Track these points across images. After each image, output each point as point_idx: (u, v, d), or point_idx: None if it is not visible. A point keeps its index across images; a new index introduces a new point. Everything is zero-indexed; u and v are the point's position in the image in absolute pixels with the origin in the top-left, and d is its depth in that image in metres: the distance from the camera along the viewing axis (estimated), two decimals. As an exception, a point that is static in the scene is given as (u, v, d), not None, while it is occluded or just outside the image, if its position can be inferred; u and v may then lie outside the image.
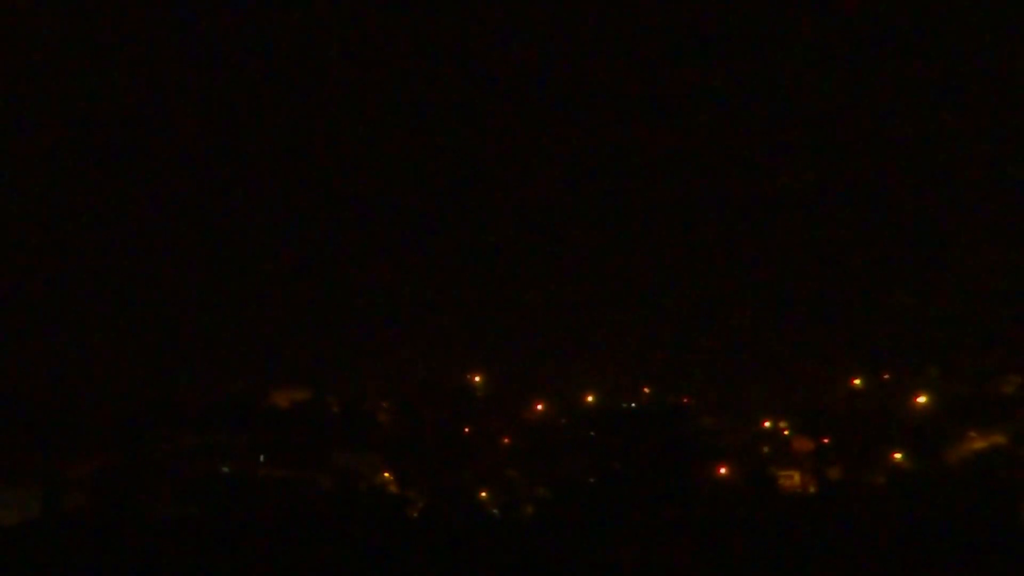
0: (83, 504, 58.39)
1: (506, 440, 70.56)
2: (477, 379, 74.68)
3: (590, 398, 72.83)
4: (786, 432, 69.84)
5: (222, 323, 78.84)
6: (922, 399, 66.72)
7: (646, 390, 72.71)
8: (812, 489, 64.48)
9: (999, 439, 61.26)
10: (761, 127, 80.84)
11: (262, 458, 65.84)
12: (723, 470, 65.67)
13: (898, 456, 63.65)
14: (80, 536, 52.67)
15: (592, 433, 68.13)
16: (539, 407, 73.28)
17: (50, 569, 49.20)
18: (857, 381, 70.45)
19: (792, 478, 65.26)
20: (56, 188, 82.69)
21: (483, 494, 64.14)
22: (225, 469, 63.90)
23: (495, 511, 62.33)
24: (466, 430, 71.03)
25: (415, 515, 60.77)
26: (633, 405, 71.50)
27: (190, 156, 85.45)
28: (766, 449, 69.07)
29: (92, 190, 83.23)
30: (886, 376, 70.18)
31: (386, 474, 65.99)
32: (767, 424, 70.97)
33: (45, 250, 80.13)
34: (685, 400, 71.32)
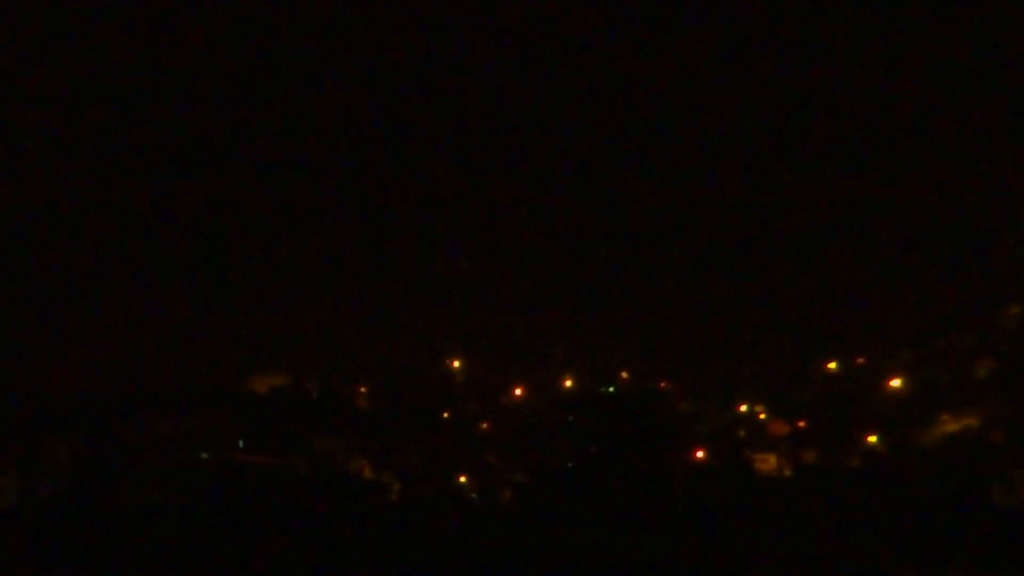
0: (60, 491, 58.13)
1: (484, 425, 70.70)
2: (456, 364, 74.77)
3: (568, 383, 73.07)
4: (762, 416, 70.34)
5: (200, 308, 78.64)
6: (896, 383, 67.32)
7: (624, 375, 73.05)
8: (787, 472, 65.00)
9: (972, 422, 61.89)
10: (733, 115, 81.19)
11: (241, 444, 65.71)
12: (700, 454, 66.10)
13: (872, 439, 64.22)
14: (57, 523, 52.53)
15: (570, 418, 68.40)
16: (518, 392, 73.47)
17: (28, 556, 49.06)
18: (832, 365, 71.08)
19: (768, 461, 65.72)
20: (31, 178, 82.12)
21: (462, 479, 64.29)
22: (203, 455, 63.74)
23: (474, 496, 62.55)
24: (445, 415, 71.12)
25: (393, 500, 60.88)
26: (611, 390, 71.83)
27: (165, 146, 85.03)
28: (742, 433, 69.54)
29: (69, 180, 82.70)
30: (860, 360, 70.80)
31: (364, 460, 66.00)
32: (743, 408, 71.47)
33: (19, 238, 79.60)
34: (662, 384, 71.75)
